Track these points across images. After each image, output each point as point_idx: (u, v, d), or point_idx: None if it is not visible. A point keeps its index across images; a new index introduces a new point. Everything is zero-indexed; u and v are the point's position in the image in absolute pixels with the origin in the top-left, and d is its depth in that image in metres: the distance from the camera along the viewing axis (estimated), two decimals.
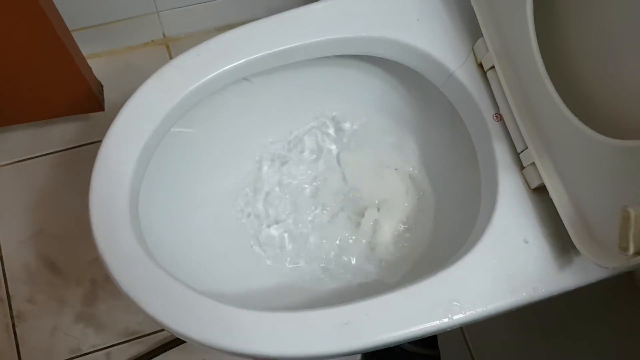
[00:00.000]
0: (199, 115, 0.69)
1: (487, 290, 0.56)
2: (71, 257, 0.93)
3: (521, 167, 0.61)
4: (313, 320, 0.55)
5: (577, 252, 0.58)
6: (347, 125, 0.81)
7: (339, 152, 0.81)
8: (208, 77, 0.62)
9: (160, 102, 0.60)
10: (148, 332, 0.91)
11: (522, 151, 0.61)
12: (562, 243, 0.59)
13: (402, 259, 0.77)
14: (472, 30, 0.67)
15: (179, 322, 0.54)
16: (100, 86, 0.94)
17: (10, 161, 0.97)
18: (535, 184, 0.60)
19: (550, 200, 0.58)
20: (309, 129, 0.80)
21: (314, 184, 0.80)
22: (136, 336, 0.91)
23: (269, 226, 0.75)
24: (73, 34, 0.83)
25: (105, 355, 0.90)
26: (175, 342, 0.89)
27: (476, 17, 0.64)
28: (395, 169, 0.82)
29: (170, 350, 0.89)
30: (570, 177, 0.56)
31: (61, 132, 0.99)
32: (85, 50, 0.88)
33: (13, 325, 0.90)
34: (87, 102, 0.89)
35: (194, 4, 0.96)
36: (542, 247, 0.59)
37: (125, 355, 0.90)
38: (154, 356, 0.89)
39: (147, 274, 0.56)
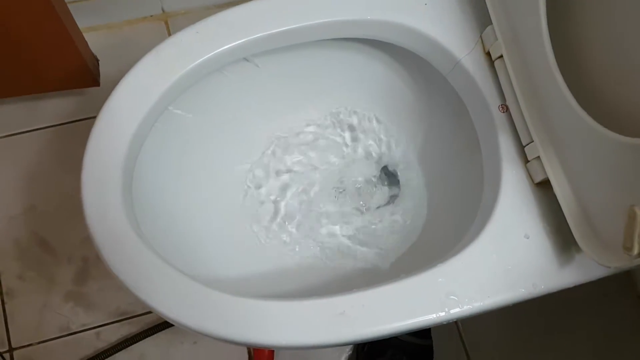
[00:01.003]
0: (198, 97, 0.68)
1: (486, 284, 0.55)
2: (63, 235, 0.92)
3: (525, 161, 0.60)
4: (308, 309, 0.54)
5: (578, 249, 0.57)
6: (351, 119, 0.80)
7: (339, 141, 0.80)
8: (206, 56, 0.60)
9: (157, 80, 0.58)
10: (139, 312, 0.90)
11: (527, 144, 0.59)
12: (563, 239, 0.58)
13: (396, 244, 0.76)
14: (480, 17, 0.65)
15: (170, 307, 0.53)
16: (96, 61, 0.92)
17: (2, 135, 0.95)
18: (539, 178, 0.58)
19: (554, 196, 0.57)
20: (310, 118, 0.79)
21: (314, 170, 0.78)
22: (127, 316, 0.90)
23: (265, 205, 0.74)
24: (70, 6, 0.80)
25: (95, 335, 0.89)
26: (167, 324, 0.88)
27: (485, 4, 0.62)
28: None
29: (161, 332, 0.88)
30: (576, 172, 0.55)
31: (55, 107, 0.96)
32: (81, 23, 0.86)
33: (2, 301, 0.89)
34: (82, 76, 0.87)
35: None
36: (543, 243, 0.58)
37: (115, 336, 0.89)
38: (145, 337, 0.88)
39: (139, 256, 0.54)
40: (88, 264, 0.91)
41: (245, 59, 0.69)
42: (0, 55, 0.79)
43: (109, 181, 0.56)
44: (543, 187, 0.59)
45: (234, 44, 0.61)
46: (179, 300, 0.53)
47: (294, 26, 0.63)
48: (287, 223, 0.75)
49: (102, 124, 0.57)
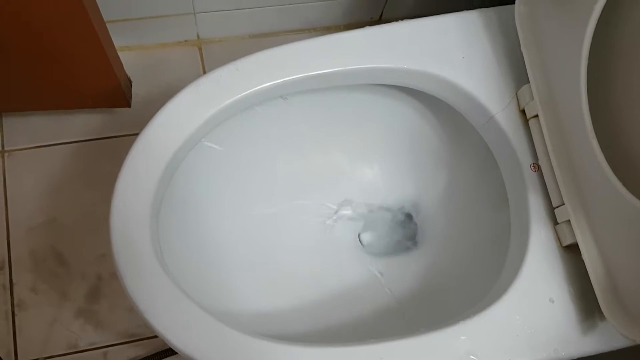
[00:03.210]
0: (229, 131, 0.68)
1: (507, 347, 0.55)
2: (79, 250, 0.92)
3: (555, 222, 0.59)
4: (322, 357, 0.53)
5: (602, 317, 0.56)
6: (373, 167, 0.80)
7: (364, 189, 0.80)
8: (244, 93, 0.60)
9: (195, 114, 0.58)
10: (148, 335, 0.89)
11: (557, 206, 0.59)
12: (588, 306, 0.57)
13: (415, 291, 0.75)
14: (517, 74, 0.65)
15: (185, 342, 0.53)
16: (129, 82, 0.93)
17: (31, 145, 0.96)
18: (567, 241, 0.58)
19: (581, 260, 0.57)
20: (334, 159, 0.79)
21: (335, 216, 0.79)
22: (136, 338, 0.89)
23: (287, 249, 0.74)
24: (108, 25, 0.81)
25: (102, 355, 0.88)
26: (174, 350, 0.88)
27: (523, 62, 0.63)
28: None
29: (168, 358, 0.87)
30: (606, 240, 0.55)
31: (83, 123, 0.97)
32: (117, 42, 0.87)
33: (13, 313, 0.89)
34: (114, 97, 0.88)
35: (231, 9, 0.95)
36: (567, 307, 0.57)
37: (122, 357, 0.88)
38: None
39: (159, 287, 0.54)
40: (101, 282, 0.91)
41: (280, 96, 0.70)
42: (38, 70, 0.80)
43: (138, 209, 0.56)
44: (571, 251, 0.59)
45: (271, 83, 0.61)
46: (195, 335, 0.53)
47: (331, 70, 0.63)
48: (305, 264, 0.75)
49: (138, 152, 0.57)
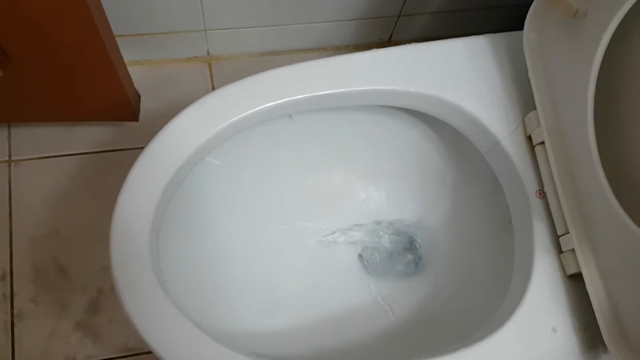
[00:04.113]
0: (233, 149, 0.68)
1: None
2: (81, 263, 0.92)
3: (559, 251, 0.59)
4: None
5: (605, 349, 0.55)
6: (377, 188, 0.80)
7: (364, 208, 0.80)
8: (249, 112, 0.60)
9: (199, 131, 0.59)
10: (146, 350, 0.89)
11: (562, 234, 0.58)
12: (591, 337, 0.56)
13: (415, 315, 0.74)
14: (524, 100, 0.65)
15: None
16: (137, 96, 0.93)
17: (37, 156, 0.97)
18: (571, 270, 0.57)
19: (585, 290, 0.56)
20: (337, 180, 0.79)
21: (336, 237, 0.78)
22: (134, 353, 0.89)
23: (287, 269, 0.74)
24: (118, 39, 0.82)
25: None
26: None
27: (531, 88, 0.63)
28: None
29: None
30: (611, 271, 0.54)
31: (90, 135, 0.98)
32: (128, 57, 0.88)
33: (12, 323, 0.88)
34: (122, 111, 0.89)
35: (242, 28, 0.96)
36: (570, 338, 0.56)
37: None
38: None
39: (157, 305, 0.54)
40: (102, 295, 0.91)
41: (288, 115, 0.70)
42: (47, 83, 0.80)
43: (139, 224, 0.56)
44: (575, 280, 0.58)
45: (277, 102, 0.61)
46: (190, 354, 0.53)
47: (337, 91, 0.63)
48: (305, 287, 0.74)
49: (141, 167, 0.57)
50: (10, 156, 0.95)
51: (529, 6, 0.61)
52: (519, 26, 0.64)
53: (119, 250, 0.55)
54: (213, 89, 1.03)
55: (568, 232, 0.57)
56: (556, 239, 0.59)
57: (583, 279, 0.56)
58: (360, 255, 0.78)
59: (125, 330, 0.89)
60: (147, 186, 0.57)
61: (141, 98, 0.95)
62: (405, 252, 0.79)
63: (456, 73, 0.65)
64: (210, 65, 1.03)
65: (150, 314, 0.54)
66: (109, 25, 0.76)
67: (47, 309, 0.90)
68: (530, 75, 0.62)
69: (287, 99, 0.61)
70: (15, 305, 0.89)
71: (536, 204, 0.60)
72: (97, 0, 0.70)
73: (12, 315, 0.89)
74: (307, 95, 0.62)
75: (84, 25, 0.70)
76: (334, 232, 0.78)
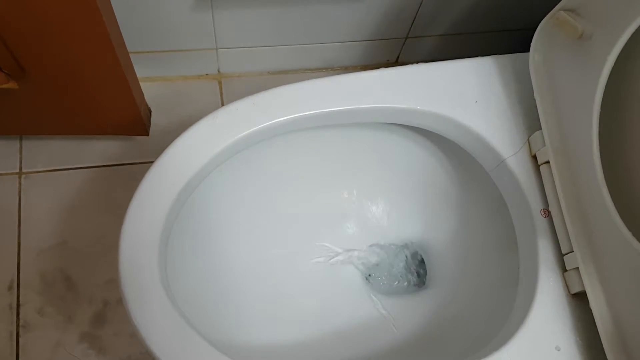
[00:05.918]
0: (242, 164, 0.69)
1: None
2: (88, 275, 0.92)
3: (563, 269, 0.59)
4: None
5: None
6: (382, 206, 0.80)
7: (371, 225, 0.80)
8: (259, 127, 0.62)
9: (209, 146, 0.60)
10: None
11: (566, 253, 0.58)
12: (594, 356, 0.56)
13: (419, 331, 0.74)
14: (530, 120, 0.66)
15: None
16: (149, 111, 0.95)
17: (48, 168, 0.98)
18: (576, 289, 0.57)
19: (589, 309, 0.56)
20: (343, 197, 0.79)
21: (342, 254, 0.79)
22: None
23: (293, 285, 0.74)
24: (132, 56, 0.84)
25: None
26: None
27: (536, 108, 0.63)
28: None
29: None
30: (615, 290, 0.54)
31: (101, 149, 0.99)
32: (140, 73, 0.89)
33: (17, 334, 0.89)
34: (134, 126, 0.90)
35: (253, 47, 0.98)
36: (573, 357, 0.56)
37: None
38: None
39: (164, 317, 0.54)
40: (107, 307, 0.91)
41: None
42: (60, 97, 0.82)
43: (148, 236, 0.56)
44: (579, 299, 0.58)
45: (286, 118, 0.62)
46: None
47: (344, 108, 0.65)
48: (315, 298, 0.75)
49: (151, 180, 0.58)
50: (21, 168, 0.97)
51: (534, 30, 0.62)
52: (525, 49, 0.65)
53: (128, 261, 0.55)
54: (222, 105, 1.04)
55: (572, 251, 0.57)
56: (560, 257, 0.59)
57: (587, 297, 0.56)
58: (366, 274, 0.78)
59: (129, 343, 0.89)
60: (157, 198, 0.58)
61: (152, 113, 0.96)
62: (411, 270, 0.79)
63: (462, 92, 0.66)
64: (220, 82, 1.05)
65: (157, 325, 0.54)
66: (124, 42, 0.78)
67: (53, 321, 0.90)
68: (536, 95, 0.63)
69: (297, 115, 0.63)
70: (21, 316, 0.90)
71: (541, 222, 0.61)
72: (113, 17, 0.72)
73: (17, 325, 0.89)
74: (317, 111, 0.63)
75: (99, 41, 0.72)
76: (340, 250, 0.79)
